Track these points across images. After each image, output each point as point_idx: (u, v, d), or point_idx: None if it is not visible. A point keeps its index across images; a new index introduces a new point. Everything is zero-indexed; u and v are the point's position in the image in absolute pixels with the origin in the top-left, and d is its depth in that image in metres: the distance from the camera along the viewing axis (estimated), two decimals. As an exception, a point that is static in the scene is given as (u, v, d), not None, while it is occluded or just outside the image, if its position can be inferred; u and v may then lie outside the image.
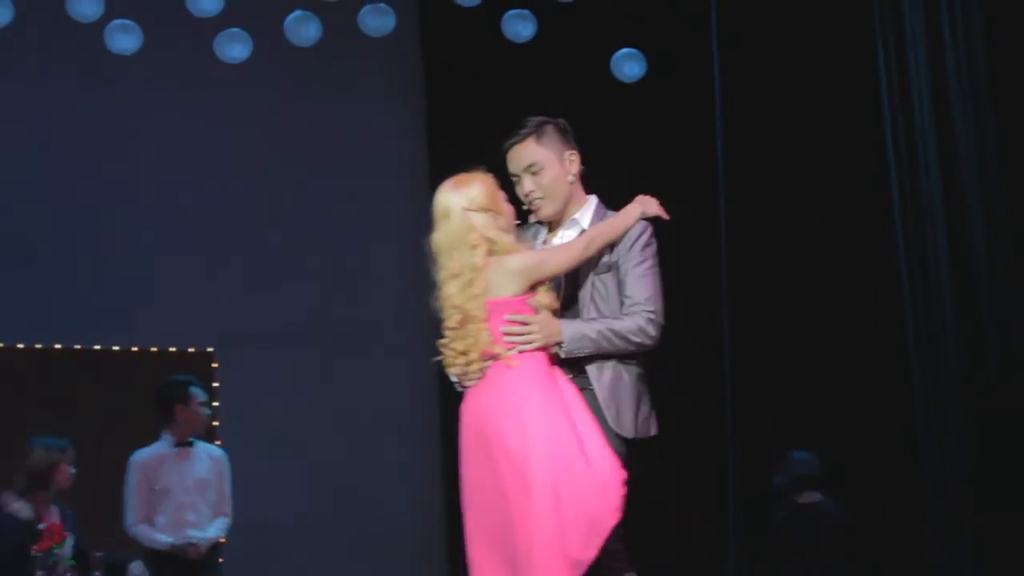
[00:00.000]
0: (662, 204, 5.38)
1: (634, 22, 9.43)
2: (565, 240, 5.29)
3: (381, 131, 10.50)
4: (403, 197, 10.17)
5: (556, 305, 5.16)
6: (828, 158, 8.82)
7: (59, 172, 9.88)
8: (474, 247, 5.02)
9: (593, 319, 5.17)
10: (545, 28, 9.03)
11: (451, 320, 5.02)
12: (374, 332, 10.24)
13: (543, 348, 5.06)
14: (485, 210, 5.06)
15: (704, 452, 9.12)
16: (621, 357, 5.17)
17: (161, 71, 9.81)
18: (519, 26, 8.92)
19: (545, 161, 5.28)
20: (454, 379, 5.14)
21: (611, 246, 5.24)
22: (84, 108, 9.96)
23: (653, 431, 5.24)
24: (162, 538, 8.19)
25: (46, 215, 9.83)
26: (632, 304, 5.19)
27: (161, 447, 8.33)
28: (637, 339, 5.16)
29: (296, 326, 10.16)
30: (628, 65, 9.05)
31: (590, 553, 4.88)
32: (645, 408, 5.23)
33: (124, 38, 8.50)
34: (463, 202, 5.05)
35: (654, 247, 5.30)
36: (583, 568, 4.88)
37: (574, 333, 5.10)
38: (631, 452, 5.17)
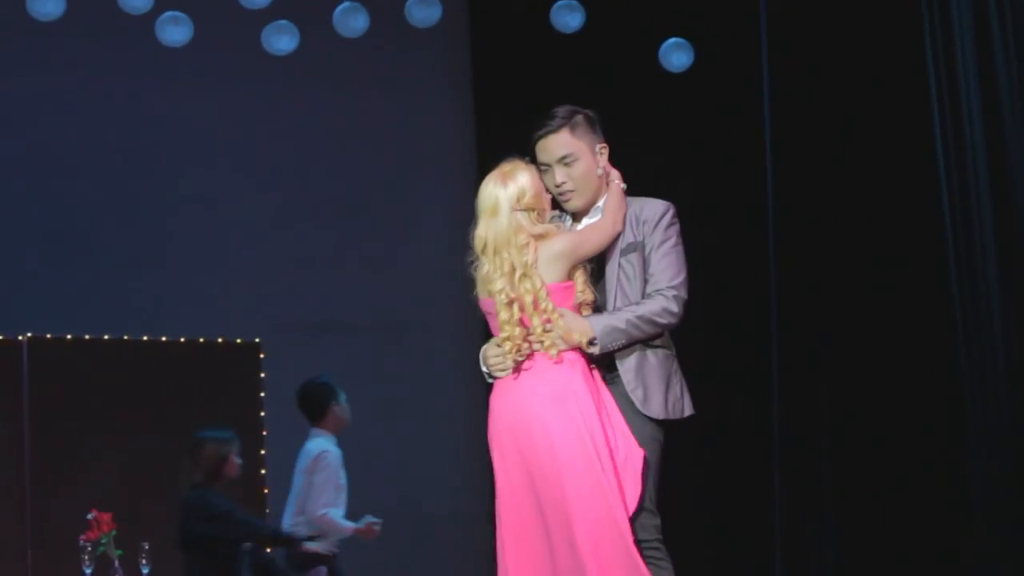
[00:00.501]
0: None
1: (682, 11, 9.40)
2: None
3: (429, 122, 10.49)
4: (450, 187, 10.16)
5: (592, 298, 5.16)
6: (876, 149, 8.76)
7: (109, 166, 9.92)
8: (523, 247, 4.99)
9: (619, 310, 5.15)
10: (593, 18, 9.00)
11: (502, 312, 5.00)
12: (421, 322, 10.24)
13: (583, 356, 5.05)
14: (531, 209, 5.04)
15: (749, 443, 9.08)
16: (645, 340, 5.16)
17: (209, 63, 9.83)
18: (567, 16, 8.91)
19: (579, 152, 5.23)
20: (484, 369, 5.15)
21: (635, 228, 5.22)
22: (133, 101, 9.99)
23: (688, 412, 5.22)
24: (349, 524, 8.44)
25: (96, 209, 9.87)
26: (655, 284, 5.18)
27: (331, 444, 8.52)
28: (663, 320, 5.15)
29: (343, 316, 10.17)
30: (676, 55, 9.03)
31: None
32: (676, 388, 5.22)
33: (175, 30, 8.53)
34: (512, 198, 5.01)
35: (678, 226, 5.26)
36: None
37: (605, 328, 5.08)
38: (667, 435, 5.16)
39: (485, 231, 5.03)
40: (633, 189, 5.34)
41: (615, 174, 5.31)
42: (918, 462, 8.49)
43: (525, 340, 4.99)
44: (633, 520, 4.97)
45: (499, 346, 5.04)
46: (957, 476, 8.25)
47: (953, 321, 8.14)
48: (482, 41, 10.32)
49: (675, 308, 5.16)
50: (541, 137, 5.25)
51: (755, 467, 9.06)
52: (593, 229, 5.18)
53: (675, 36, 9.07)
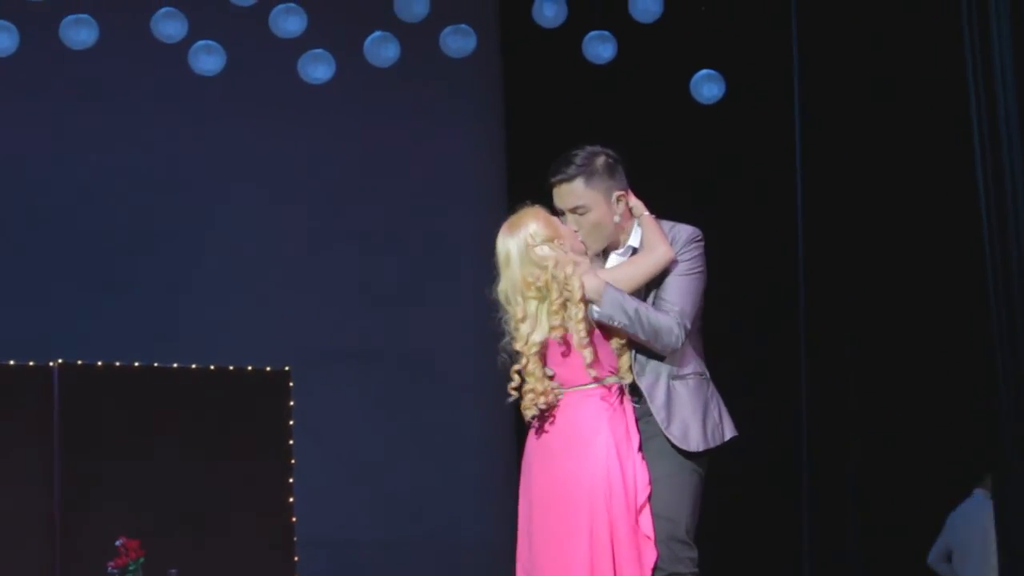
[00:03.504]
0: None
1: (714, 43, 9.40)
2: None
3: (461, 152, 10.51)
4: (480, 219, 10.15)
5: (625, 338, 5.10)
6: (909, 181, 8.74)
7: (141, 193, 9.96)
8: (541, 288, 4.96)
9: (635, 299, 5.06)
10: (625, 49, 9.01)
11: (528, 359, 4.99)
12: (449, 351, 10.24)
13: (618, 391, 5.04)
14: (548, 240, 5.00)
15: (778, 458, 9.04)
16: (672, 372, 5.10)
17: (241, 91, 9.87)
18: (600, 47, 8.91)
19: (592, 203, 5.12)
20: (527, 415, 5.13)
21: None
22: (166, 128, 10.04)
23: (729, 435, 5.16)
24: None
25: (128, 237, 9.91)
26: (668, 304, 5.09)
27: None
28: (666, 339, 5.06)
29: (372, 345, 10.17)
30: (707, 86, 9.02)
31: None
32: (715, 414, 5.15)
33: (208, 59, 8.56)
34: (521, 244, 5.00)
35: (700, 252, 5.16)
36: None
37: (614, 299, 5.00)
38: (709, 464, 5.12)
39: (503, 284, 5.04)
40: (663, 218, 5.31)
41: (639, 207, 5.22)
42: (947, 476, 8.45)
43: (543, 393, 4.99)
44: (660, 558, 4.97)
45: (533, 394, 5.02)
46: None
47: (989, 335, 8.09)
48: (514, 71, 10.34)
49: (680, 335, 5.07)
50: (556, 184, 5.15)
51: (783, 483, 9.02)
52: (630, 263, 5.12)
53: (706, 68, 9.07)
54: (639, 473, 5.00)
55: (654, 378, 5.10)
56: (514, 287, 5.00)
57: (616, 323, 5.00)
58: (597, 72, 9.14)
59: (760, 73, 9.35)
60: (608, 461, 4.95)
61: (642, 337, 5.03)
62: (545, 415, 5.04)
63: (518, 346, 5.00)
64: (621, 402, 5.06)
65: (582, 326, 4.95)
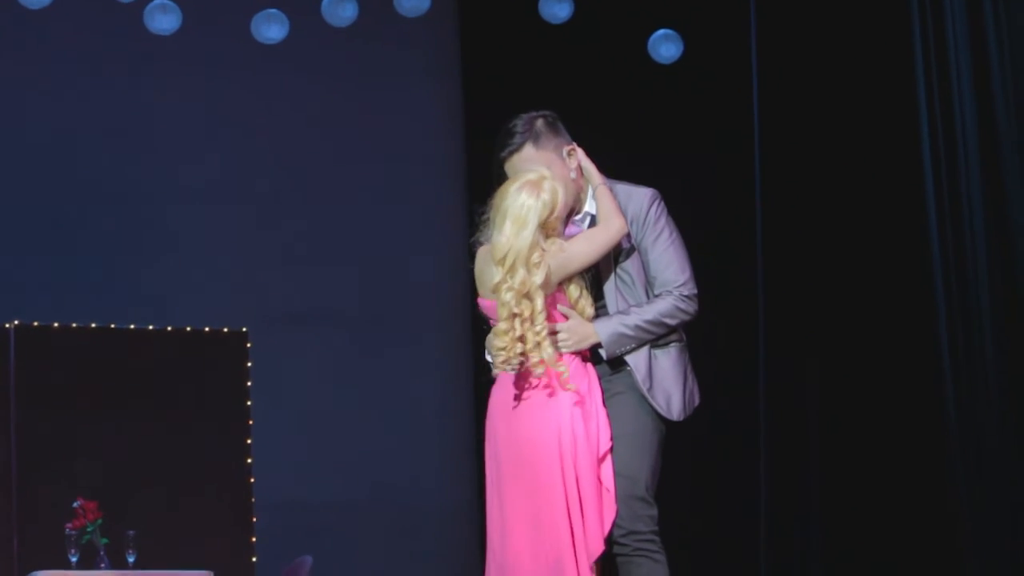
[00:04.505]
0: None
1: (671, 2, 9.39)
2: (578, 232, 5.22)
3: (417, 113, 10.47)
4: (438, 180, 10.15)
5: (592, 311, 5.11)
6: (866, 142, 8.74)
7: (96, 155, 9.90)
8: (536, 266, 4.94)
9: (625, 314, 5.09)
10: (582, 9, 9.00)
11: (508, 323, 4.97)
12: (407, 313, 10.23)
13: (577, 352, 5.06)
14: (552, 229, 5.00)
15: (738, 441, 9.08)
16: (653, 341, 5.14)
17: (197, 52, 9.82)
18: (556, 7, 8.90)
19: (548, 163, 5.11)
20: (489, 359, 5.15)
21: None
22: (121, 90, 9.97)
23: (697, 401, 5.21)
24: None
25: (82, 197, 9.85)
26: (662, 284, 5.13)
27: None
28: (674, 321, 5.12)
29: (330, 306, 10.16)
30: (665, 46, 9.02)
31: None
32: (690, 383, 5.21)
33: (164, 18, 8.51)
34: (542, 212, 4.96)
35: (667, 214, 5.18)
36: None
37: (611, 335, 5.05)
38: (669, 426, 5.16)
39: (511, 242, 4.95)
40: (619, 180, 5.29)
41: (592, 173, 5.21)
42: (903, 461, 8.49)
43: (520, 355, 4.98)
44: (619, 516, 5.01)
45: (498, 348, 5.03)
46: (942, 476, 8.25)
47: (939, 324, 8.15)
48: (470, 32, 10.31)
49: (686, 307, 5.12)
50: (506, 157, 5.13)
51: (741, 459, 9.06)
52: (584, 239, 5.09)
53: (664, 27, 9.07)
54: (602, 427, 5.03)
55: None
56: (519, 255, 4.94)
57: (629, 350, 5.06)
58: (554, 31, 9.13)
59: (718, 33, 9.34)
60: (572, 416, 4.97)
61: (656, 337, 5.08)
62: (508, 374, 5.06)
63: (500, 300, 4.98)
64: (584, 360, 5.09)
65: (542, 315, 4.96)
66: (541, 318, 4.94)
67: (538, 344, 4.94)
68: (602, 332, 5.05)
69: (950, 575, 8.11)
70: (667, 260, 5.14)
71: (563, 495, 4.94)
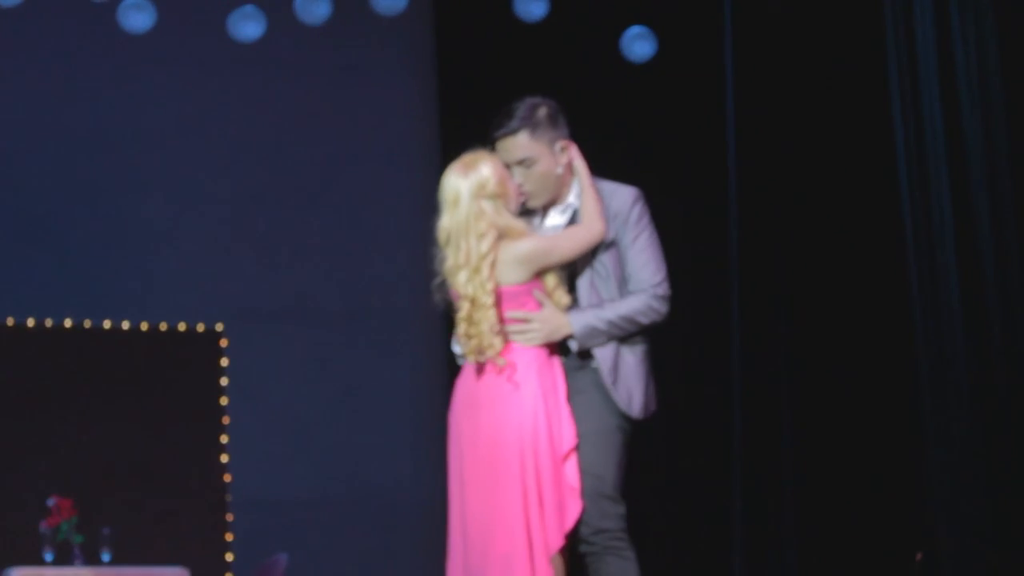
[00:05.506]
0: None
1: (645, 1, 9.41)
2: (556, 223, 5.24)
3: (393, 109, 10.48)
4: (414, 176, 10.15)
5: (567, 300, 5.12)
6: (839, 139, 8.78)
7: (68, 150, 9.87)
8: (482, 235, 4.97)
9: (598, 307, 5.12)
10: (557, 7, 9.01)
11: (462, 308, 5.01)
12: (383, 310, 10.24)
13: (547, 344, 5.07)
14: (495, 197, 5.02)
15: (710, 438, 9.10)
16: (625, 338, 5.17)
17: (171, 49, 9.80)
18: (531, 5, 8.91)
19: (537, 155, 5.15)
20: (457, 350, 5.17)
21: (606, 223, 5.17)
22: (93, 85, 9.95)
23: (653, 407, 5.23)
24: None
25: (54, 193, 9.82)
26: (637, 283, 5.15)
27: None
28: (647, 320, 5.15)
29: (306, 303, 10.15)
30: (638, 44, 9.04)
31: (558, 543, 4.97)
32: (651, 385, 5.22)
33: (138, 16, 8.51)
34: (473, 188, 5.00)
35: (648, 215, 5.22)
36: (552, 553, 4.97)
37: (584, 328, 5.06)
38: (633, 424, 5.19)
39: (447, 222, 5.02)
40: (602, 177, 5.31)
41: (583, 172, 5.24)
42: (876, 457, 8.53)
43: (483, 335, 4.99)
44: (584, 515, 5.03)
45: (465, 340, 5.05)
46: (915, 474, 8.29)
47: (913, 320, 8.18)
48: (446, 30, 10.31)
49: (660, 307, 5.15)
50: (499, 138, 5.17)
51: (714, 456, 9.08)
52: (567, 237, 5.11)
53: (637, 26, 9.09)
54: (565, 424, 5.03)
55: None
56: (459, 230, 4.99)
57: (598, 344, 5.08)
58: (529, 29, 9.15)
59: (692, 31, 9.37)
60: (535, 411, 4.97)
61: (626, 334, 5.10)
62: (473, 365, 5.07)
63: (457, 284, 5.02)
64: (550, 354, 5.10)
65: (489, 285, 4.98)
66: (486, 296, 4.96)
67: (485, 328, 4.96)
68: (575, 324, 5.06)
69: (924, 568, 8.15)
70: (644, 260, 5.17)
71: (521, 491, 4.94)
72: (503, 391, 5.01)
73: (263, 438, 9.72)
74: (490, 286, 4.96)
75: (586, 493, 5.02)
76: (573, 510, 4.99)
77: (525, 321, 5.03)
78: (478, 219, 4.98)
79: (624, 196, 5.23)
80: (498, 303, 5.00)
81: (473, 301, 4.97)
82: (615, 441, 5.13)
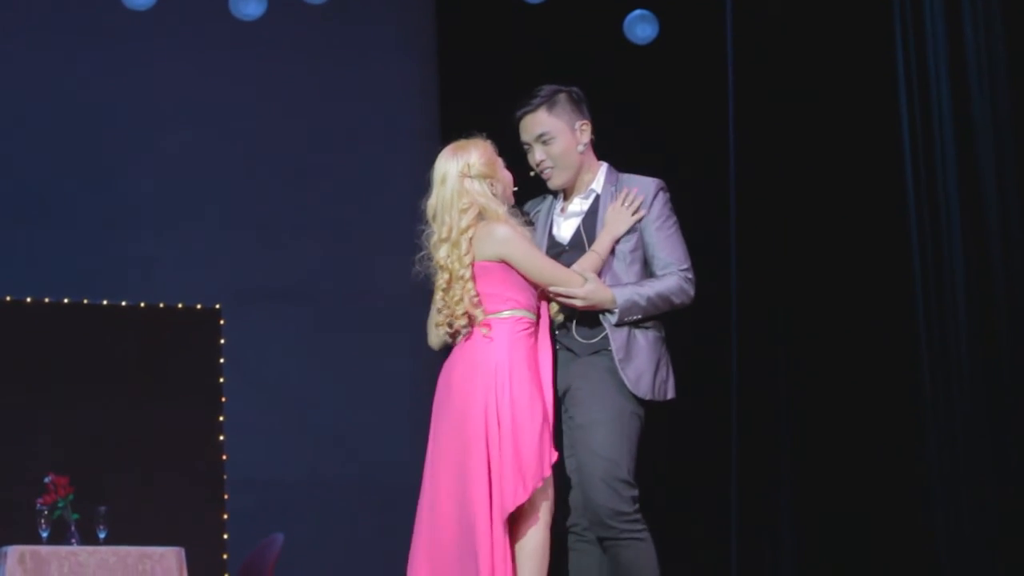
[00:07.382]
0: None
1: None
2: (578, 209, 5.41)
3: (393, 89, 10.47)
4: (413, 158, 10.13)
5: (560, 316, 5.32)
6: (842, 129, 8.75)
7: (68, 128, 9.86)
8: (464, 211, 5.15)
9: (639, 284, 5.27)
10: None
11: (440, 281, 5.18)
12: (382, 290, 10.23)
13: (537, 326, 5.18)
14: (483, 177, 5.19)
15: (709, 431, 9.09)
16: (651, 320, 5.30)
17: (172, 27, 9.79)
18: (532, -14, 8.90)
19: (556, 131, 5.36)
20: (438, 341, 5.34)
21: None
22: (93, 63, 9.94)
23: (670, 395, 5.36)
24: None
25: (54, 172, 9.82)
26: (665, 264, 5.33)
27: None
28: (678, 300, 5.33)
29: (304, 284, 10.15)
30: (641, 27, 9.03)
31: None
32: (664, 371, 5.34)
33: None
34: (460, 168, 5.18)
35: (671, 205, 5.42)
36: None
37: (627, 302, 5.22)
38: (647, 411, 5.29)
39: (432, 200, 5.24)
40: (624, 170, 5.46)
41: (619, 221, 5.32)
42: (876, 448, 8.52)
43: (459, 309, 5.18)
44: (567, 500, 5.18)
45: (442, 316, 5.21)
46: (915, 464, 8.28)
47: (916, 313, 8.17)
48: (446, 9, 10.30)
49: (689, 289, 5.34)
50: (520, 116, 5.39)
51: (714, 451, 9.07)
52: (546, 260, 5.22)
53: (640, 8, 9.08)
54: (535, 399, 5.09)
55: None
56: (443, 205, 5.17)
57: (634, 320, 5.23)
58: (530, 9, 9.14)
59: (694, 13, 9.35)
60: (498, 390, 5.08)
61: (657, 313, 5.29)
62: (455, 345, 5.23)
63: (437, 257, 5.20)
64: (531, 333, 5.15)
65: (467, 259, 5.14)
66: (467, 260, 5.13)
67: (459, 298, 5.14)
68: (619, 297, 5.21)
69: (923, 564, 8.15)
70: (672, 244, 5.37)
71: (486, 470, 5.07)
72: (472, 371, 5.13)
73: (260, 418, 9.72)
74: (468, 259, 5.14)
75: (602, 477, 5.16)
76: (533, 477, 5.04)
77: (570, 296, 5.18)
78: (461, 196, 5.16)
79: (647, 184, 5.41)
80: (476, 277, 5.14)
81: (451, 272, 5.14)
82: (629, 426, 5.25)
